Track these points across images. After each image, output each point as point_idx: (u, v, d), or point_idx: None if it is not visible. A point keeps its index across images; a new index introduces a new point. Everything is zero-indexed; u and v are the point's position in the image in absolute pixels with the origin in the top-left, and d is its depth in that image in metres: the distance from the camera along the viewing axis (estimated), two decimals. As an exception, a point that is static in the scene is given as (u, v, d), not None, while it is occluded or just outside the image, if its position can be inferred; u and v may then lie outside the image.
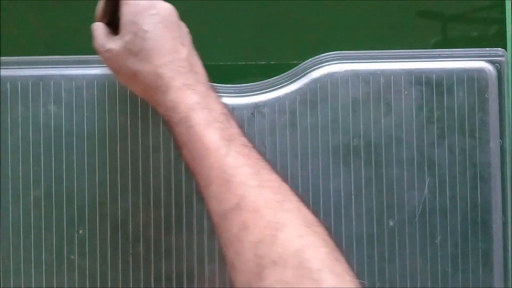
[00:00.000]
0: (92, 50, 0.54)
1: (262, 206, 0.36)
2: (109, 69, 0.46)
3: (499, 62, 0.53)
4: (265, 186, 0.38)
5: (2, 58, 0.52)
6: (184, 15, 0.55)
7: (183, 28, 0.46)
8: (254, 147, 0.41)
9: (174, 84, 0.42)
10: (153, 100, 0.43)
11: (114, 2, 0.45)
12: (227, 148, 0.39)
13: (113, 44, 0.44)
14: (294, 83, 0.53)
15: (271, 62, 0.54)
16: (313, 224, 0.37)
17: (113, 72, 0.46)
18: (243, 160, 0.39)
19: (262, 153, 0.41)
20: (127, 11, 0.44)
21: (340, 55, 0.53)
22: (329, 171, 0.52)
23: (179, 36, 0.44)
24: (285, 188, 0.39)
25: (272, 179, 0.39)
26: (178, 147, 0.42)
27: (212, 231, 0.50)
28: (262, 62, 0.55)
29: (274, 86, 0.53)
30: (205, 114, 0.41)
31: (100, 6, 0.47)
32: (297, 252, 0.34)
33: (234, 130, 0.41)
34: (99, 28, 0.46)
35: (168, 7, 0.45)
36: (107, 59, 0.45)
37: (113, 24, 0.47)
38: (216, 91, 0.44)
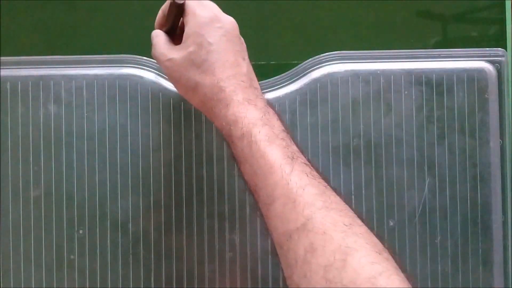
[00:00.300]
0: (92, 50, 0.54)
1: (331, 228, 0.35)
2: (168, 78, 0.46)
3: (499, 62, 0.53)
4: (331, 208, 0.37)
5: (2, 58, 0.52)
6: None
7: (243, 43, 0.46)
8: (313, 165, 0.40)
9: (236, 98, 0.42)
10: (211, 112, 0.43)
11: (176, 11, 0.45)
12: (291, 166, 0.38)
13: (175, 53, 0.44)
14: (294, 83, 0.53)
15: (271, 62, 0.54)
16: (383, 250, 0.35)
17: (172, 81, 0.46)
18: (307, 180, 0.38)
19: (320, 172, 0.40)
20: (193, 22, 0.44)
21: (340, 55, 0.53)
22: (329, 171, 0.52)
23: (240, 50, 0.44)
24: (350, 211, 0.38)
25: (337, 201, 0.38)
26: (237, 161, 0.42)
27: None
28: (262, 62, 0.55)
29: (274, 86, 0.53)
30: (267, 130, 0.40)
31: (162, 13, 0.47)
32: (370, 279, 0.33)
33: (295, 148, 0.41)
34: (159, 36, 0.46)
35: (232, 21, 0.45)
36: (168, 68, 0.45)
37: (172, 33, 0.47)
38: (273, 107, 0.44)
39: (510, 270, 0.52)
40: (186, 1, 0.44)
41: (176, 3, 0.44)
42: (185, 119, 0.52)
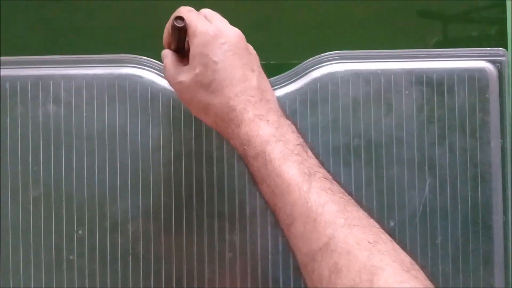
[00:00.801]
0: (91, 50, 0.54)
1: (355, 247, 0.34)
2: (181, 100, 0.45)
3: (500, 62, 0.53)
4: (354, 224, 0.36)
5: (1, 57, 0.52)
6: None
7: (252, 51, 0.45)
8: (334, 178, 0.39)
9: (247, 116, 0.41)
10: (225, 133, 0.42)
11: (179, 32, 0.44)
12: (308, 183, 0.37)
13: (183, 76, 0.43)
14: (294, 82, 0.52)
15: (271, 62, 0.54)
16: (412, 268, 0.34)
17: (184, 103, 0.45)
18: (327, 196, 0.37)
19: (342, 184, 0.39)
20: (196, 42, 0.43)
21: (341, 54, 0.53)
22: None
23: (248, 61, 0.43)
24: (374, 226, 0.36)
25: (360, 217, 0.36)
26: (255, 182, 0.41)
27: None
28: (262, 62, 0.54)
29: (274, 86, 0.52)
30: (281, 146, 0.39)
31: (167, 32, 0.46)
32: None
33: (312, 161, 0.39)
34: (168, 57, 0.46)
35: (236, 33, 0.44)
36: (178, 90, 0.44)
37: (181, 50, 0.46)
38: (288, 118, 0.43)
39: (510, 270, 0.52)
40: (187, 20, 0.43)
41: (177, 26, 0.43)
42: (184, 119, 0.52)
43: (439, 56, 0.53)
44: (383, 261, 0.33)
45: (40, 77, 0.52)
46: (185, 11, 0.44)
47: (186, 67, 0.44)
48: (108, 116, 0.51)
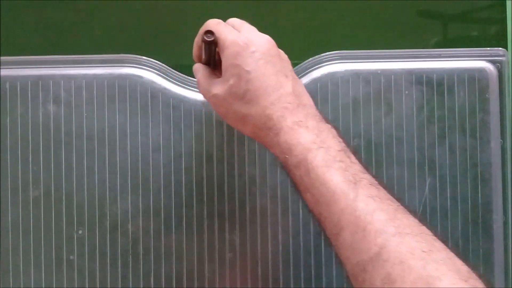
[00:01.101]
0: (91, 50, 0.54)
1: (408, 256, 0.33)
2: (217, 112, 0.45)
3: (500, 62, 0.53)
4: (405, 233, 0.34)
5: (1, 57, 0.52)
6: (185, 15, 0.55)
7: (283, 57, 0.44)
8: (380, 183, 0.38)
9: (286, 124, 0.40)
10: (265, 142, 0.42)
11: (209, 46, 0.44)
12: (354, 191, 0.36)
13: (217, 89, 0.43)
14: (294, 83, 0.52)
15: (271, 62, 0.54)
16: (469, 277, 0.33)
17: (220, 115, 0.45)
18: (375, 204, 0.36)
19: (388, 188, 0.38)
20: (227, 54, 0.42)
21: (341, 54, 0.53)
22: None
23: (281, 68, 0.43)
24: (427, 234, 0.35)
25: (411, 224, 0.35)
26: (298, 190, 0.40)
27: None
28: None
29: (274, 86, 0.52)
30: (323, 153, 0.38)
31: (197, 46, 0.46)
32: None
33: (356, 167, 0.39)
34: (200, 71, 0.45)
35: (266, 40, 0.43)
36: (214, 103, 0.44)
37: (212, 63, 0.46)
38: (327, 121, 0.42)
39: (510, 270, 0.52)
40: (216, 33, 0.43)
41: (207, 40, 0.43)
42: (184, 119, 0.52)
43: (439, 56, 0.53)
44: (439, 271, 0.32)
45: (40, 77, 0.52)
46: (213, 24, 0.44)
47: (219, 79, 0.43)
48: (108, 116, 0.51)
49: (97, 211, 0.51)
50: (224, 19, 0.55)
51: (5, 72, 0.52)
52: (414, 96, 0.52)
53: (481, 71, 0.53)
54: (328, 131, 0.40)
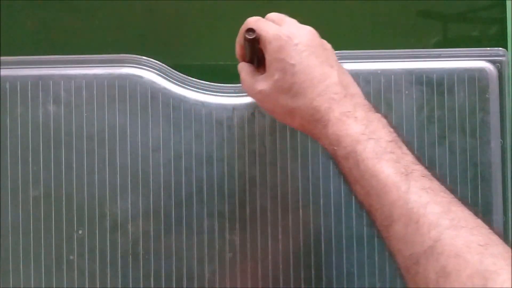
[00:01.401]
0: (91, 50, 0.54)
1: (464, 250, 0.32)
2: (263, 109, 0.45)
3: (500, 62, 0.53)
4: (461, 226, 0.34)
5: (1, 57, 0.52)
6: (185, 16, 0.55)
7: (327, 46, 0.44)
8: (433, 174, 0.37)
9: (333, 115, 0.39)
10: (313, 134, 0.41)
11: (252, 43, 0.44)
12: (406, 183, 0.36)
13: (262, 84, 0.43)
14: (294, 83, 0.52)
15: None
16: None
17: (268, 111, 0.45)
18: (428, 197, 0.35)
19: (441, 179, 0.37)
20: (270, 49, 0.42)
21: (341, 54, 0.53)
22: (329, 171, 0.52)
23: (325, 58, 0.42)
24: (483, 227, 0.34)
25: (466, 217, 0.35)
26: (347, 182, 0.39)
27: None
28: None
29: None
30: (373, 145, 0.38)
31: (239, 45, 0.46)
32: None
33: (408, 158, 0.38)
34: (244, 69, 0.45)
35: (308, 31, 0.43)
36: (260, 100, 0.44)
37: (255, 60, 0.46)
38: (377, 110, 0.41)
39: (511, 270, 0.52)
40: (257, 29, 0.43)
41: (249, 38, 0.43)
42: (184, 119, 0.52)
43: (439, 56, 0.53)
44: (496, 265, 0.32)
45: (40, 77, 0.52)
46: (253, 22, 0.44)
47: (264, 75, 0.43)
48: (108, 116, 0.51)
49: (97, 211, 0.51)
50: (224, 19, 0.55)
51: (5, 72, 0.52)
52: (414, 96, 0.52)
53: (481, 71, 0.53)
54: (378, 121, 0.40)
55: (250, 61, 0.46)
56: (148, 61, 0.52)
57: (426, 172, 0.37)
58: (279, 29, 0.43)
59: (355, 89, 0.42)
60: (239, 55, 0.47)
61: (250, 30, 0.43)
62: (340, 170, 0.40)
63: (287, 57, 0.41)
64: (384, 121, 0.40)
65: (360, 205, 0.39)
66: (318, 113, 0.40)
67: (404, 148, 0.39)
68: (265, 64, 0.43)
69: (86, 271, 0.51)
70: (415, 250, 0.34)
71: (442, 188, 0.37)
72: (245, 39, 0.43)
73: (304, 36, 0.42)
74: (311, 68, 0.41)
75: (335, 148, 0.39)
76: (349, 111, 0.40)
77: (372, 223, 0.38)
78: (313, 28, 0.43)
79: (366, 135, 0.38)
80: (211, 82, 0.53)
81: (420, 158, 0.38)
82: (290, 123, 0.43)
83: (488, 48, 0.53)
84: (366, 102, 0.41)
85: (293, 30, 0.42)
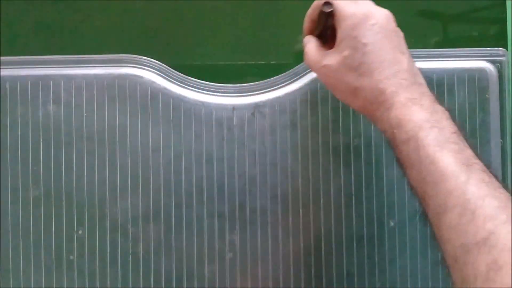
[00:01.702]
0: (91, 50, 0.54)
1: None
2: (325, 84, 0.45)
3: (500, 62, 0.53)
4: None
5: (1, 58, 0.52)
6: (185, 15, 0.55)
7: (400, 34, 0.43)
8: (491, 171, 0.37)
9: (398, 99, 0.40)
10: (373, 115, 0.41)
11: (326, 17, 0.44)
12: (466, 174, 0.36)
13: (329, 59, 0.43)
14: (294, 83, 0.53)
15: (271, 62, 0.54)
16: None
17: (329, 87, 0.45)
18: (487, 190, 0.35)
19: (498, 177, 0.37)
20: (344, 25, 0.42)
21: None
22: (329, 171, 0.52)
23: (398, 44, 0.42)
24: None
25: None
26: (402, 166, 0.40)
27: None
28: (262, 62, 0.55)
29: (274, 86, 0.53)
30: (436, 133, 0.38)
31: (309, 19, 0.46)
32: None
33: (469, 151, 0.38)
34: (311, 42, 0.45)
35: (386, 14, 0.43)
36: (323, 74, 0.44)
37: (322, 37, 0.45)
38: (441, 103, 0.41)
39: (510, 269, 0.52)
40: (334, 4, 0.43)
41: (325, 11, 0.43)
42: (184, 119, 0.52)
43: (439, 56, 0.53)
44: None
45: (40, 77, 0.52)
46: None
47: (332, 50, 0.43)
48: (108, 116, 0.52)
49: (97, 211, 0.51)
50: (224, 19, 0.55)
51: (5, 72, 0.52)
52: (414, 96, 0.52)
53: (481, 71, 0.53)
54: (443, 113, 0.40)
55: (318, 36, 0.46)
56: (148, 61, 0.52)
57: (485, 168, 0.37)
58: (356, 6, 0.42)
59: (422, 79, 0.42)
60: (307, 29, 0.47)
61: (328, 3, 0.43)
62: (396, 154, 0.40)
63: (361, 36, 0.41)
64: (447, 113, 0.40)
65: (413, 190, 0.39)
66: (382, 95, 0.40)
67: (465, 142, 0.39)
68: (331, 40, 0.43)
69: (86, 271, 0.51)
70: (467, 240, 0.34)
71: (500, 185, 0.37)
72: (321, 12, 0.43)
73: (381, 18, 0.42)
74: (383, 51, 0.41)
75: (395, 131, 0.39)
76: (415, 98, 0.40)
77: (423, 210, 0.38)
78: (390, 12, 0.43)
79: (430, 123, 0.38)
80: (211, 82, 0.53)
81: (480, 155, 0.38)
82: (351, 102, 0.43)
83: (488, 48, 0.53)
84: (431, 93, 0.41)
85: (371, 10, 0.42)
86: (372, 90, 0.41)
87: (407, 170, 0.39)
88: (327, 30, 0.45)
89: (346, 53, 0.41)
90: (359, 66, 0.41)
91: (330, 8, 0.43)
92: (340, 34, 0.42)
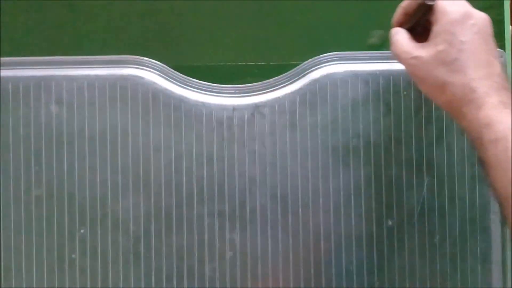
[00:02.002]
0: (93, 51, 0.54)
1: None
2: (412, 76, 0.45)
3: (498, 63, 0.53)
4: None
5: (3, 58, 0.53)
6: (186, 17, 0.55)
7: (494, 40, 0.44)
8: None
9: (490, 100, 0.40)
10: (459, 112, 0.42)
11: (424, 10, 0.44)
12: None
13: (421, 51, 0.43)
14: (294, 83, 0.53)
15: (271, 63, 0.55)
16: None
17: (416, 79, 0.45)
18: None
19: None
20: (443, 20, 0.42)
21: (340, 55, 0.53)
22: (328, 171, 0.52)
23: (493, 48, 0.43)
24: None
25: None
26: (486, 165, 0.40)
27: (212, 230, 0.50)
28: (262, 62, 0.55)
29: (274, 87, 0.53)
30: None
31: (403, 11, 0.47)
32: None
33: None
34: (401, 34, 0.46)
35: (485, 18, 0.43)
36: (412, 65, 0.44)
37: (412, 31, 0.46)
38: None
39: (508, 269, 0.52)
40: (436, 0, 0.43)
41: (427, 4, 0.43)
42: (185, 120, 0.52)
43: (437, 57, 0.53)
44: None
45: (42, 78, 0.52)
46: None
47: (426, 43, 0.44)
48: (110, 117, 0.52)
49: (99, 210, 0.51)
50: (225, 20, 0.55)
51: (7, 73, 0.52)
52: (413, 97, 0.52)
53: (479, 72, 0.53)
54: None
55: (410, 29, 0.46)
56: (149, 62, 0.53)
57: None
58: (457, 4, 0.43)
59: (509, 85, 0.43)
60: (397, 21, 0.47)
61: None
62: (481, 154, 0.40)
63: (459, 33, 0.42)
64: None
65: (493, 192, 0.40)
66: (473, 94, 0.41)
67: None
68: (419, 36, 0.44)
69: (88, 270, 0.51)
70: None
71: None
72: (421, 5, 0.44)
73: (481, 20, 0.43)
74: (479, 51, 0.42)
75: (484, 130, 0.40)
76: (506, 102, 0.40)
77: (503, 213, 0.39)
78: (489, 17, 0.44)
79: None
80: (211, 83, 0.53)
81: None
82: (436, 96, 0.44)
83: (486, 49, 0.53)
84: None
85: (472, 11, 0.43)
86: (463, 87, 0.41)
87: (492, 170, 0.39)
88: (418, 25, 0.46)
89: (441, 47, 0.42)
90: (453, 62, 0.42)
91: (433, 2, 0.43)
92: (437, 28, 0.43)
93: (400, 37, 0.45)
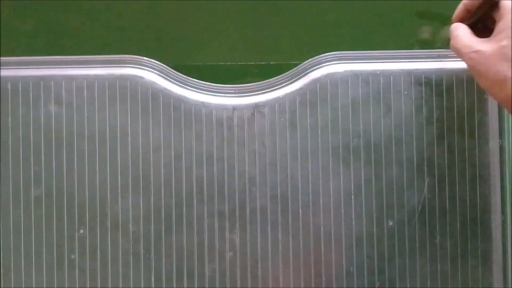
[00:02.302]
0: (92, 50, 0.54)
1: None
2: (472, 71, 0.45)
3: (499, 63, 0.53)
4: None
5: (2, 58, 0.53)
6: (185, 16, 0.55)
7: None
8: None
9: None
10: None
11: (488, 7, 0.45)
12: None
13: (483, 46, 0.44)
14: (294, 83, 0.53)
15: (271, 62, 0.55)
16: None
17: (476, 74, 0.45)
18: None
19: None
20: (509, 16, 0.43)
21: (340, 55, 0.53)
22: (328, 171, 0.52)
23: None
24: None
25: None
26: None
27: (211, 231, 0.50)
28: (262, 62, 0.55)
29: (274, 86, 0.53)
30: None
31: (464, 7, 0.47)
32: None
33: None
34: (462, 28, 0.46)
35: None
36: (473, 59, 0.44)
37: (472, 27, 0.47)
38: None
39: (509, 269, 0.52)
40: None
41: (493, 1, 0.44)
42: (185, 119, 0.52)
43: (438, 57, 0.53)
44: None
45: (42, 78, 0.52)
46: None
47: (488, 38, 0.44)
48: (109, 116, 0.52)
49: (98, 210, 0.51)
50: (224, 20, 0.55)
51: (7, 72, 0.52)
52: (413, 97, 0.52)
53: (479, 71, 0.53)
54: None
55: (471, 25, 0.47)
56: (149, 62, 0.53)
57: None
58: None
59: None
60: (458, 17, 0.48)
61: None
62: None
63: None
64: None
65: None
66: None
67: None
68: (482, 32, 0.45)
69: (87, 270, 0.51)
70: None
71: None
72: (485, 2, 0.45)
73: None
74: None
75: None
76: None
77: None
78: None
79: None
80: (211, 82, 0.53)
81: None
82: (496, 91, 0.44)
83: (487, 49, 0.53)
84: None
85: None
86: None
87: None
88: (478, 22, 0.46)
89: (504, 42, 0.43)
90: None
91: None
92: (501, 24, 0.43)
93: (461, 32, 0.46)
